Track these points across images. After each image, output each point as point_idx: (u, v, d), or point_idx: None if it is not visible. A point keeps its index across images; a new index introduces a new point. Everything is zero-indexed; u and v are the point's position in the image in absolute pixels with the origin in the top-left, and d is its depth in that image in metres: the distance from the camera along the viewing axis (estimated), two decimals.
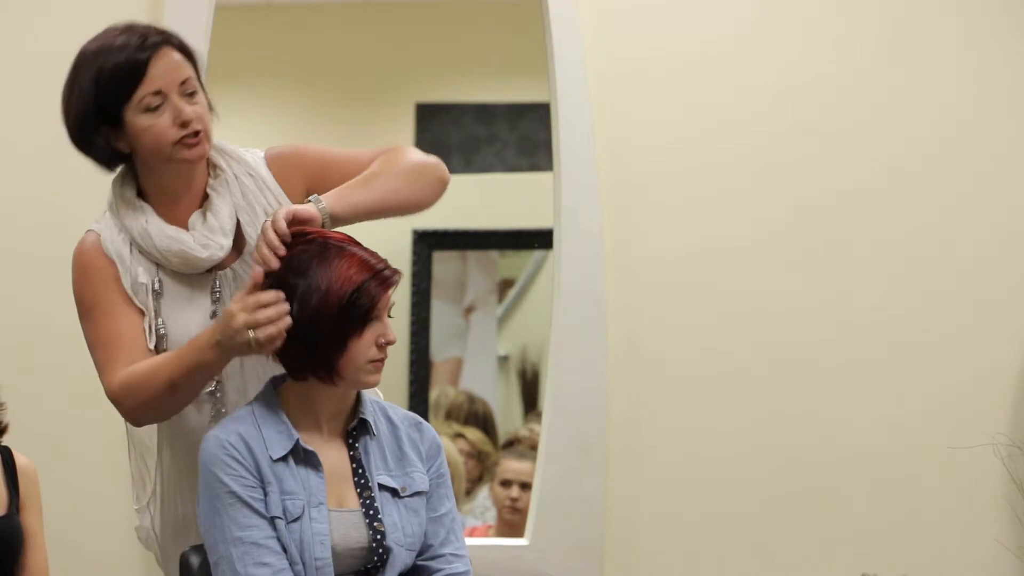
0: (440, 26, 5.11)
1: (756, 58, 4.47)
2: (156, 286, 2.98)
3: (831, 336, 4.41)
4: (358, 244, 2.88)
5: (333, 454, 2.86)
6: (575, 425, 4.34)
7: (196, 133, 2.96)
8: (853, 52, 4.46)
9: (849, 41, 4.47)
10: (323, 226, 2.89)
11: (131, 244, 3.00)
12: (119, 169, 3.06)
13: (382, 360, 2.84)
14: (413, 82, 5.45)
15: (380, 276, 2.83)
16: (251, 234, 3.00)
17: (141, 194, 3.03)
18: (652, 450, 4.40)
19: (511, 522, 4.78)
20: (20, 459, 3.63)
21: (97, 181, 4.32)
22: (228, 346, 2.83)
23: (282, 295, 2.80)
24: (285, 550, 2.78)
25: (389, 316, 2.86)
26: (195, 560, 2.93)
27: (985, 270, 4.43)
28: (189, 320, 2.96)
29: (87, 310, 3.00)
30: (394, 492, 2.88)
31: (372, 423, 2.90)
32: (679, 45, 4.47)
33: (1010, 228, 4.44)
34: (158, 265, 3.00)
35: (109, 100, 2.93)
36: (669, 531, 4.39)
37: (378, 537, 2.83)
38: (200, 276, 3.01)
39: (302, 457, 2.82)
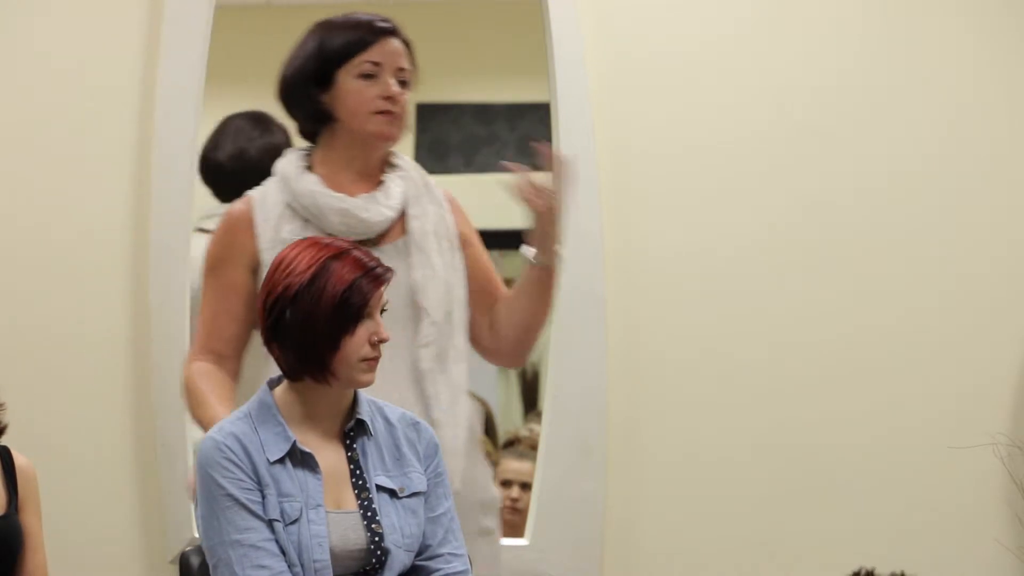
0: (440, 26, 5.10)
1: (756, 58, 4.46)
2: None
3: (831, 336, 4.41)
4: (354, 245, 2.89)
5: (330, 455, 2.86)
6: (575, 425, 4.34)
7: (396, 114, 3.17)
8: (853, 52, 4.46)
9: (849, 41, 4.46)
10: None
11: (287, 205, 3.18)
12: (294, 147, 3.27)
13: (376, 359, 2.84)
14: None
15: (372, 274, 2.83)
16: (415, 226, 3.21)
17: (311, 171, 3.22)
18: (652, 450, 4.39)
19: (511, 522, 4.76)
20: (19, 459, 3.62)
21: (96, 181, 4.36)
22: None
23: None
24: (284, 552, 2.78)
25: (382, 314, 2.86)
26: (195, 560, 2.93)
27: (985, 270, 4.43)
28: None
29: (208, 269, 3.24)
30: (392, 493, 2.88)
31: (369, 423, 2.90)
32: (679, 45, 4.47)
33: (1010, 228, 4.43)
34: (306, 223, 3.16)
35: (329, 58, 3.17)
36: (669, 531, 4.39)
37: (376, 538, 2.83)
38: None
39: (299, 459, 2.82)
